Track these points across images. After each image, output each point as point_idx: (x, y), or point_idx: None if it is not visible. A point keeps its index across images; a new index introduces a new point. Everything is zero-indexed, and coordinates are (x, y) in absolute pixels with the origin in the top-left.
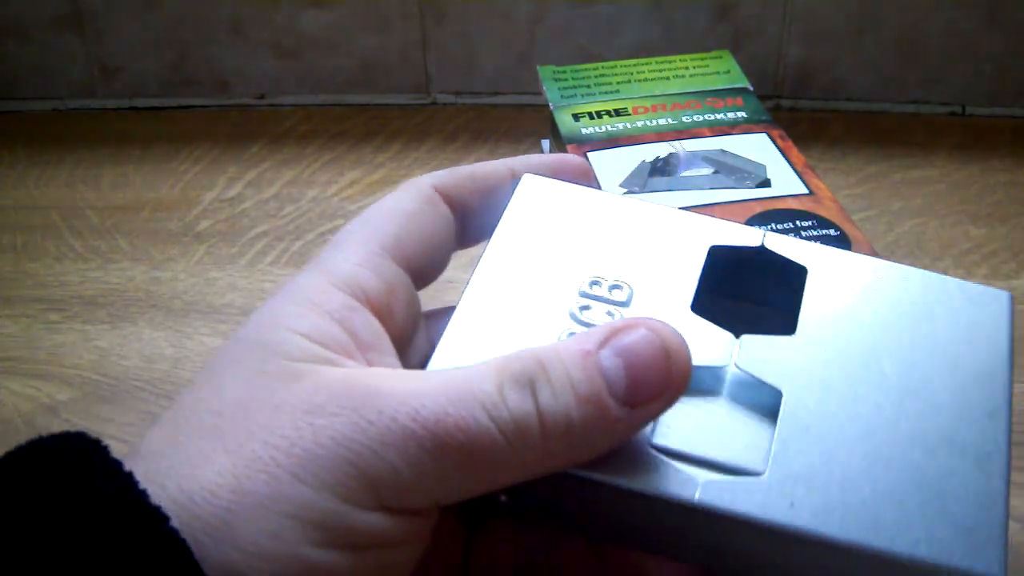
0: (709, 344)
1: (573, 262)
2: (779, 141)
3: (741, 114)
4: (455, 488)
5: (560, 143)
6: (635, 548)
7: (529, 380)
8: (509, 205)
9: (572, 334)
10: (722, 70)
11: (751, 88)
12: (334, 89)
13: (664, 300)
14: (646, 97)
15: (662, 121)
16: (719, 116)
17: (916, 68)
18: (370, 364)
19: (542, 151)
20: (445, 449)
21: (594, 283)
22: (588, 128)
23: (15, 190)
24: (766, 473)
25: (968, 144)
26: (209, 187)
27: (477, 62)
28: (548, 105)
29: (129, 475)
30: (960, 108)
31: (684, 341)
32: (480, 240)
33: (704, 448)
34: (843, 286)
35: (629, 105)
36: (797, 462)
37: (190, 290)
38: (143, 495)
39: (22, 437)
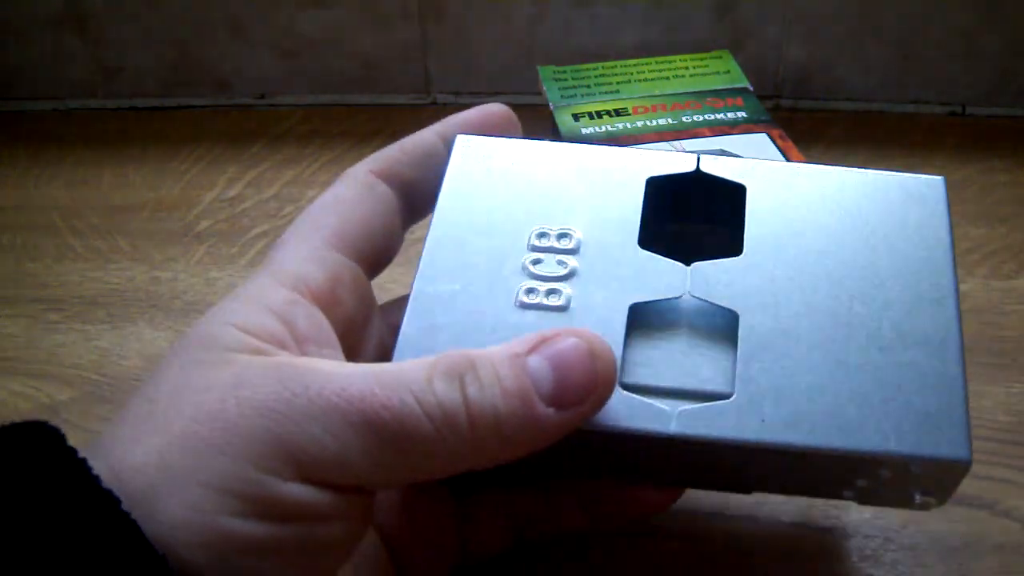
0: (662, 276)
1: (518, 216)
2: (779, 141)
3: (741, 114)
4: (384, 471)
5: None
6: (615, 480)
7: (458, 374)
8: (446, 170)
9: (530, 290)
10: (722, 70)
11: (751, 88)
12: (334, 89)
13: (611, 240)
14: (646, 97)
15: (662, 121)
16: (719, 116)
17: (916, 68)
18: (306, 355)
19: None
20: (371, 427)
21: (541, 235)
22: (588, 128)
23: (15, 190)
24: (734, 395)
25: (968, 144)
26: (209, 187)
27: (477, 62)
28: (548, 105)
29: (83, 461)
30: (960, 108)
31: (610, 348)
32: (428, 212)
33: (672, 379)
34: (782, 197)
35: (629, 105)
36: (761, 380)
37: (190, 290)
38: (96, 480)
39: None
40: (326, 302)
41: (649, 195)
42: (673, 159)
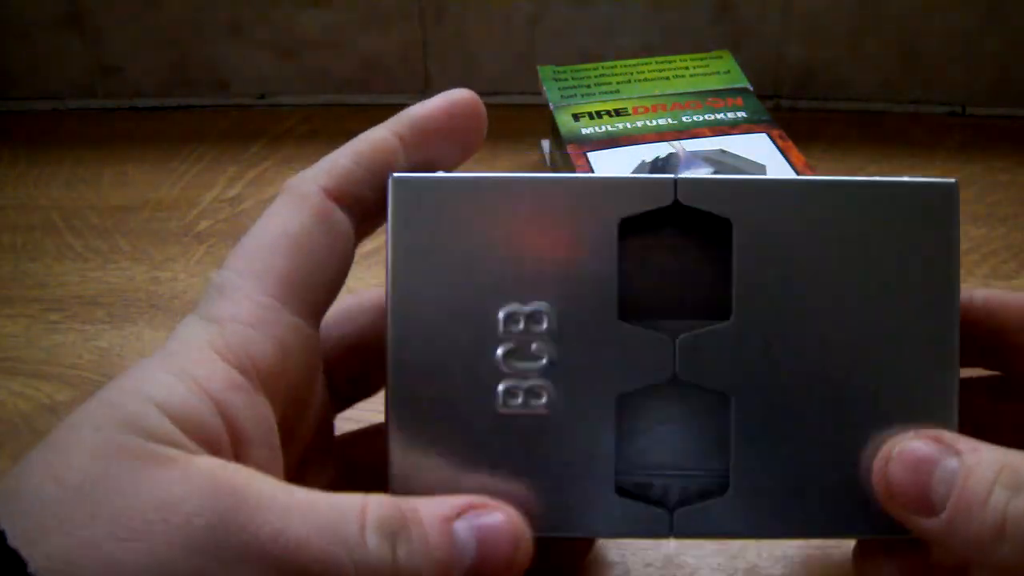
0: (646, 355)
1: (481, 291)
2: (779, 141)
3: (741, 114)
4: None
5: (560, 143)
6: None
7: (391, 532)
8: (389, 222)
9: (509, 393)
10: (722, 70)
11: (751, 88)
12: (334, 89)
13: (587, 313)
14: (646, 97)
15: (662, 121)
16: (719, 116)
17: (916, 68)
18: (241, 460)
19: (542, 152)
20: (297, 566)
21: (510, 317)
22: (588, 128)
23: (15, 190)
24: (729, 489)
25: (968, 144)
26: (209, 187)
27: (477, 62)
28: (548, 105)
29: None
30: (960, 108)
31: (529, 536)
32: (379, 225)
33: (665, 469)
34: (772, 231)
35: (629, 105)
36: (756, 471)
37: (190, 290)
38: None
39: (22, 437)
40: (272, 382)
41: (623, 239)
42: (645, 188)
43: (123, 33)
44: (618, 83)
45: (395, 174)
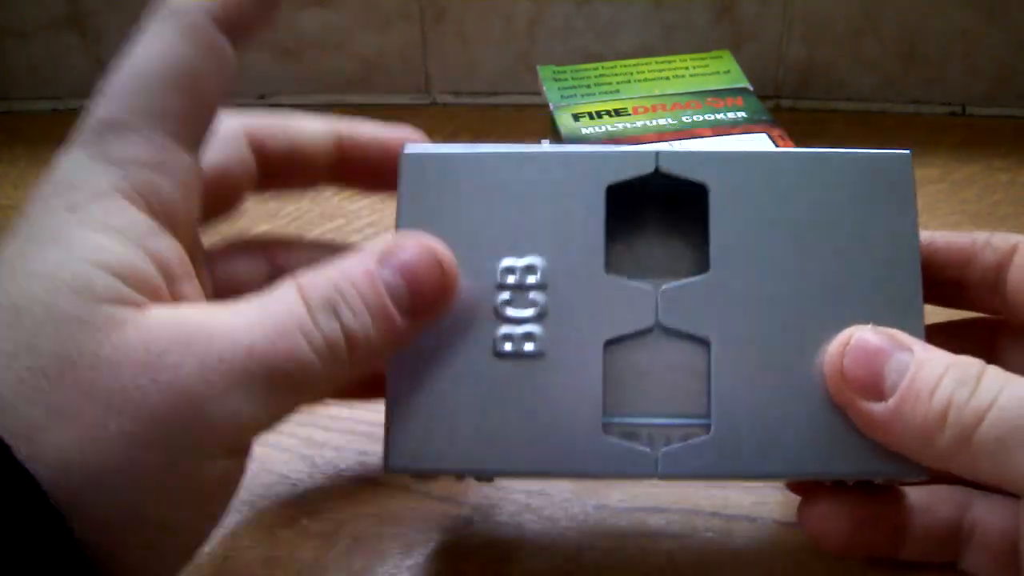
0: (631, 304)
1: (480, 248)
2: (779, 141)
3: (741, 114)
4: (278, 416)
5: (560, 143)
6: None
7: (332, 305)
8: (400, 191)
9: (505, 337)
10: (722, 70)
11: (751, 88)
12: (334, 89)
13: (577, 267)
14: (646, 97)
15: (662, 121)
16: (719, 116)
17: (916, 68)
18: (176, 297)
19: None
20: (276, 381)
21: (507, 270)
22: (588, 128)
23: (15, 190)
24: (711, 429)
25: (968, 144)
26: None
27: (477, 62)
28: (548, 105)
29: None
30: (960, 108)
31: (447, 252)
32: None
33: (650, 414)
34: (745, 193)
35: (629, 105)
36: (736, 412)
37: None
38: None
39: None
40: (176, 219)
41: (609, 203)
42: (630, 159)
43: (123, 33)
44: (618, 83)
45: (406, 148)
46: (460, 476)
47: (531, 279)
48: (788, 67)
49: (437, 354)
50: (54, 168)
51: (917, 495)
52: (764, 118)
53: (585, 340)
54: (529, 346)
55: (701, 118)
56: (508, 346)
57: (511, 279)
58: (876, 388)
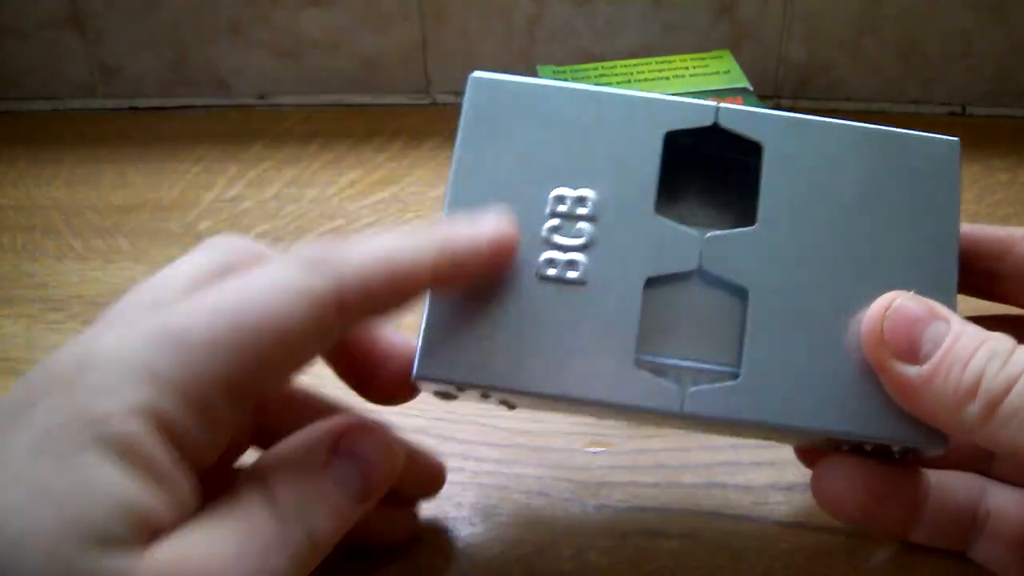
0: (676, 247)
1: (536, 175)
2: None
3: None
4: None
5: None
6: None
7: (300, 515)
8: (464, 112)
9: (550, 262)
10: (722, 70)
11: (751, 88)
12: (334, 89)
13: (628, 204)
14: None
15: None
16: None
17: (916, 68)
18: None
19: None
20: None
21: (559, 199)
22: None
23: (15, 190)
24: (740, 375)
25: (968, 144)
26: (209, 187)
27: (477, 62)
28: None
29: None
30: (960, 108)
31: (400, 449)
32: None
33: (682, 355)
34: (798, 157)
35: None
36: (766, 361)
37: None
38: None
39: None
40: (195, 462)
41: (666, 149)
42: (692, 109)
43: (123, 33)
44: (618, 83)
45: (474, 73)
46: (486, 395)
47: (581, 210)
48: (788, 67)
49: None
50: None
51: (934, 478)
52: None
53: (627, 274)
54: (572, 273)
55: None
56: (552, 271)
57: (562, 208)
58: (912, 353)
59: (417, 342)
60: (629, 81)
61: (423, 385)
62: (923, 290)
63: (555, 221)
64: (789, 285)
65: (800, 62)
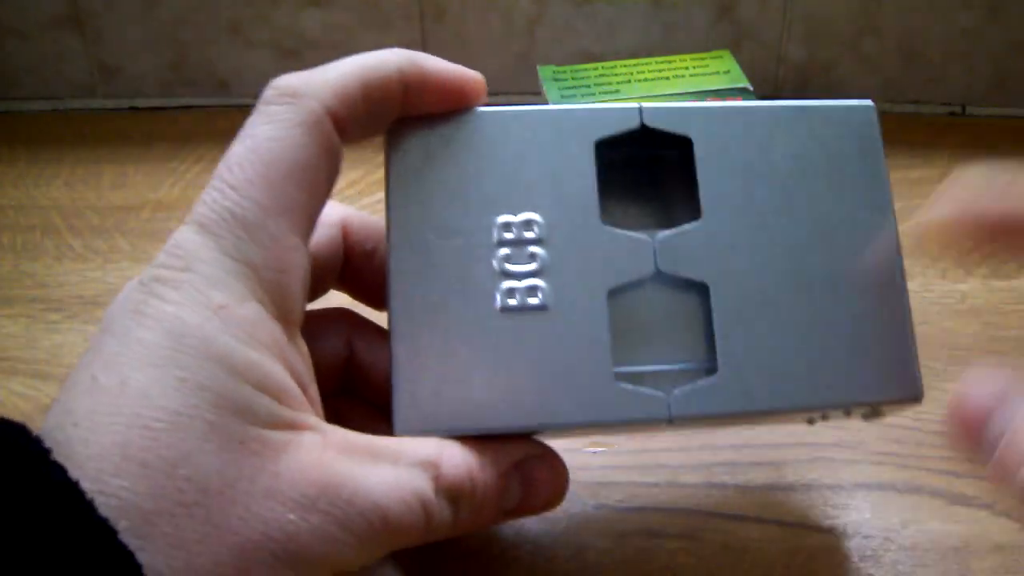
0: (630, 253)
1: (475, 207)
2: None
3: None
4: (375, 557)
5: None
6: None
7: (457, 497)
8: (389, 162)
9: (509, 292)
10: (722, 70)
11: (751, 88)
12: None
13: (574, 220)
14: (646, 97)
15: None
16: None
17: (916, 68)
18: (310, 402)
19: None
20: (394, 537)
21: (506, 226)
22: None
23: (15, 190)
24: (718, 371)
25: (968, 144)
26: None
27: (477, 62)
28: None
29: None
30: (960, 108)
31: (568, 475)
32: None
33: (657, 360)
34: (728, 145)
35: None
36: (740, 352)
37: None
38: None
39: None
40: (297, 320)
41: (599, 159)
42: (615, 115)
43: (123, 33)
44: (618, 83)
45: (397, 119)
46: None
47: (529, 234)
48: (788, 67)
49: (441, 314)
50: (181, 247)
51: None
52: None
53: (588, 291)
54: (534, 300)
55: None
56: (513, 301)
57: (509, 235)
58: (979, 452)
59: (391, 400)
60: (629, 81)
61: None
62: (869, 247)
63: (506, 250)
64: (745, 272)
65: (800, 62)
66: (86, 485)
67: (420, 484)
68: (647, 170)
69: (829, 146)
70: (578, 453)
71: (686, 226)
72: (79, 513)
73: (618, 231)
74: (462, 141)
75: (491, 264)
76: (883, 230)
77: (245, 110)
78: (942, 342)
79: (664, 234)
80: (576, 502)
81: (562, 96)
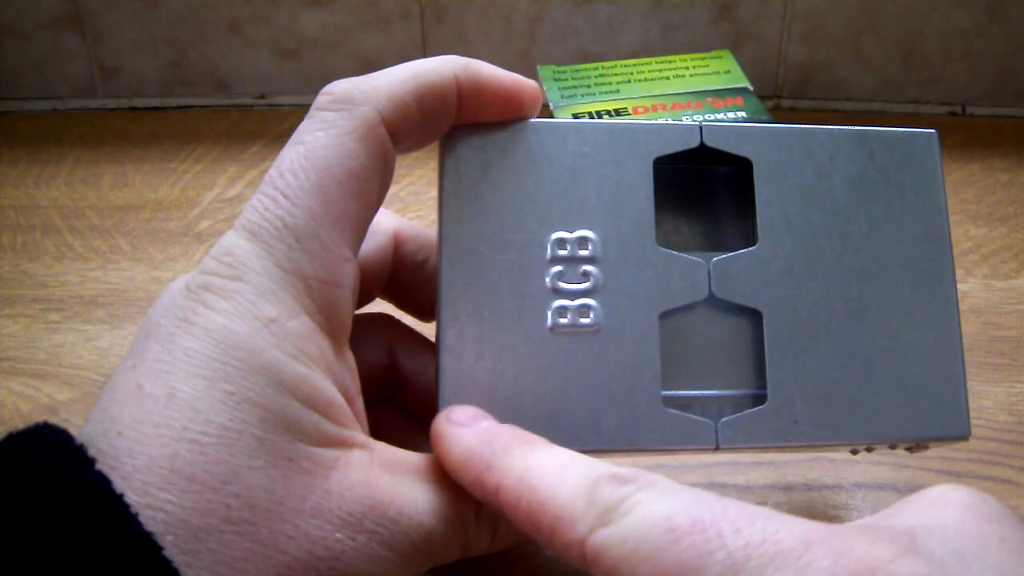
0: (684, 277)
1: (529, 221)
2: None
3: (741, 114)
4: (415, 573)
5: None
6: None
7: (494, 519)
8: (443, 173)
9: (560, 310)
10: (722, 70)
11: (751, 88)
12: None
13: (629, 239)
14: (646, 97)
15: (662, 121)
16: (719, 116)
17: (916, 68)
18: (356, 417)
19: None
20: (435, 557)
21: (559, 242)
22: None
23: (15, 190)
24: (767, 400)
25: (968, 144)
26: (209, 187)
27: None
28: (548, 105)
29: (155, 544)
30: (960, 108)
31: None
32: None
33: (707, 385)
34: (787, 168)
35: (629, 105)
36: (790, 381)
37: None
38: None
39: None
40: (345, 331)
41: (657, 176)
42: (676, 131)
43: (123, 33)
44: (618, 83)
45: (455, 127)
46: None
47: (583, 252)
48: (788, 67)
49: (491, 330)
50: (232, 254)
51: None
52: (764, 118)
53: (640, 313)
54: (585, 320)
55: (701, 118)
56: (564, 320)
57: (563, 252)
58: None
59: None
60: (629, 81)
61: None
62: (923, 281)
63: (559, 267)
64: (799, 300)
65: (800, 62)
66: (132, 498)
67: (463, 506)
68: (701, 184)
69: (888, 173)
70: None
71: (742, 251)
72: (122, 528)
73: (674, 253)
74: (518, 153)
75: (544, 281)
76: (939, 262)
77: (245, 110)
78: None
79: (719, 258)
80: None
81: (562, 96)
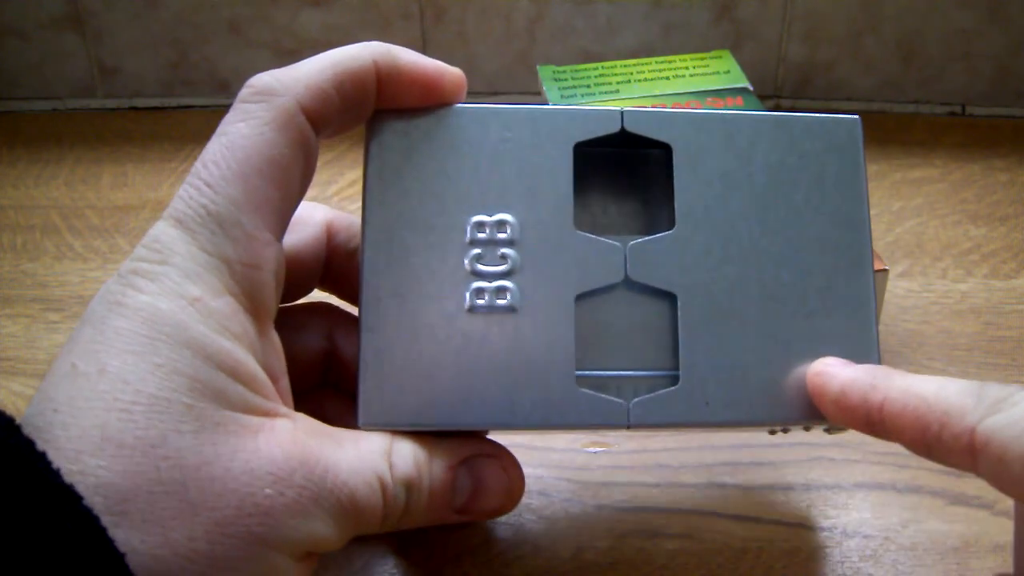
0: (600, 260)
1: (450, 204)
2: None
3: None
4: (343, 539)
5: None
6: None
7: (409, 485)
8: (367, 158)
9: (478, 291)
10: (722, 70)
11: (751, 88)
12: None
13: (547, 223)
14: (646, 97)
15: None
16: None
17: (916, 68)
18: (281, 394)
19: None
20: (359, 519)
21: (479, 225)
22: None
23: (15, 190)
24: (680, 380)
25: (968, 144)
26: None
27: (477, 62)
28: (548, 105)
29: (97, 521)
30: (960, 108)
31: (523, 478)
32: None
33: (620, 365)
34: (707, 154)
35: (629, 105)
36: (702, 363)
37: None
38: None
39: None
40: (269, 315)
41: (577, 160)
42: (596, 117)
43: (123, 33)
44: (618, 83)
45: (378, 111)
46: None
47: (501, 235)
48: (788, 67)
49: (411, 310)
50: (158, 240)
51: None
52: None
53: (556, 295)
54: (502, 301)
55: None
56: (481, 301)
57: (482, 235)
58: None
59: (357, 391)
60: (629, 81)
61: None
62: (841, 266)
63: (477, 250)
64: (714, 284)
65: (800, 62)
66: (65, 466)
67: (380, 467)
68: (633, 168)
69: (809, 159)
70: (578, 453)
71: (658, 235)
72: (42, 480)
73: (590, 236)
74: (442, 138)
75: (462, 263)
76: (857, 248)
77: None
78: (942, 342)
79: (636, 242)
80: (576, 502)
81: (562, 96)
